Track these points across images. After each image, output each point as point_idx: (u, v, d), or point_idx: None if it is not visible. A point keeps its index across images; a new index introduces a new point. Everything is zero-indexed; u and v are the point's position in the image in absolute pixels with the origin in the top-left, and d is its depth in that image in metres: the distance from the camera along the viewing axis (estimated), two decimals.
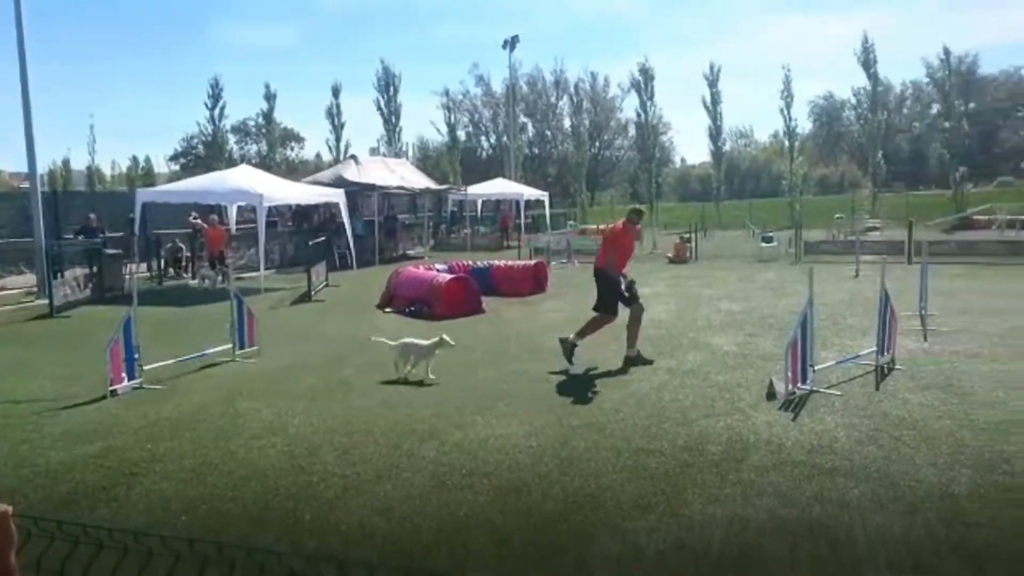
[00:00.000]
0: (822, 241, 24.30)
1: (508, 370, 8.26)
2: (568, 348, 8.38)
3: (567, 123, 65.47)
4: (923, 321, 9.99)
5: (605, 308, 8.64)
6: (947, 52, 55.10)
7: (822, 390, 6.88)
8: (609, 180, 77.26)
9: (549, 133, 72.59)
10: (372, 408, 6.84)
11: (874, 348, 7.83)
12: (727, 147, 66.78)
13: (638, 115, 56.56)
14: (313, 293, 15.08)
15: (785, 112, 49.42)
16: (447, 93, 60.37)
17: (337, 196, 21.01)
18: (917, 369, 7.72)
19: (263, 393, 7.44)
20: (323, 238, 20.68)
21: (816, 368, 7.16)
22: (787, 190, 49.49)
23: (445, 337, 7.83)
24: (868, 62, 52.36)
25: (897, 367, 7.78)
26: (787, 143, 52.41)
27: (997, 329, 9.96)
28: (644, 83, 55.10)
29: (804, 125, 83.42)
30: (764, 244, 23.34)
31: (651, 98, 55.37)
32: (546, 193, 37.36)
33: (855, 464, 5.09)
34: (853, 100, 70.76)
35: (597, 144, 72.68)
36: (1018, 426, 5.78)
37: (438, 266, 14.36)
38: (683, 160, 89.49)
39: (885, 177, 55.08)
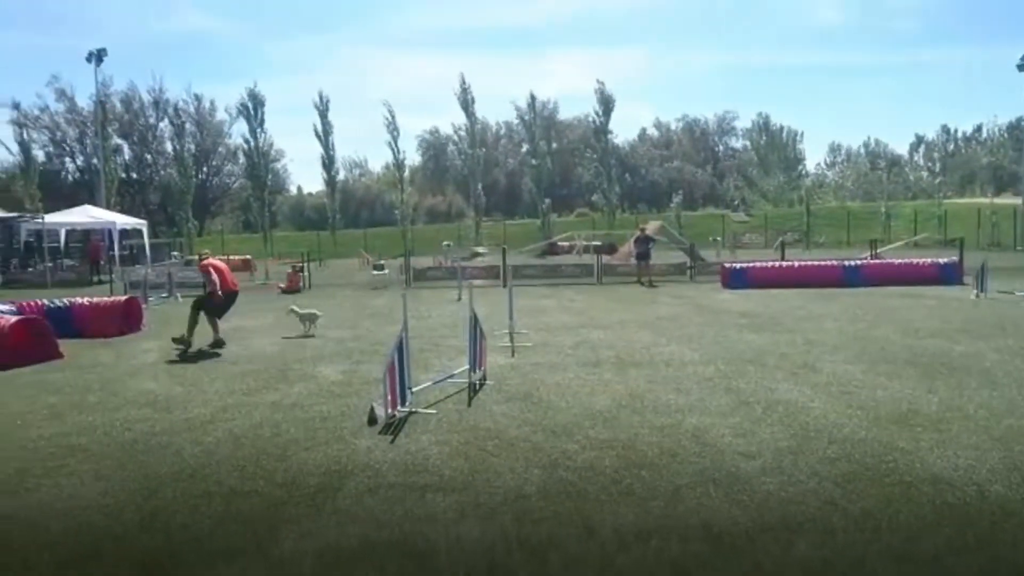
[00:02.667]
0: (430, 268, 25.73)
1: (85, 421, 7.29)
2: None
3: (169, 147, 61.07)
4: (512, 338, 11.00)
5: None
6: (533, 98, 62.36)
7: (420, 410, 7.17)
8: (220, 208, 73.71)
9: (149, 157, 67.08)
10: None
11: (468, 366, 8.41)
12: (341, 176, 67.97)
13: (247, 141, 54.96)
14: None
15: (393, 145, 51.65)
16: (18, 107, 52.70)
17: None
18: (504, 383, 8.44)
19: None
20: None
21: (414, 389, 7.47)
22: (399, 219, 51.66)
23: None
24: (467, 102, 57.16)
25: (488, 382, 8.43)
26: (397, 174, 54.82)
27: (570, 342, 11.37)
28: (254, 108, 53.80)
29: (413, 157, 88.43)
30: (375, 272, 24.03)
31: (261, 124, 54.25)
32: (144, 222, 34.39)
33: (444, 478, 5.36)
34: (456, 136, 76.70)
35: (205, 170, 68.95)
36: (578, 425, 6.60)
37: (2, 307, 12.30)
38: (299, 188, 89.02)
39: (486, 207, 60.34)
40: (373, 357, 10.32)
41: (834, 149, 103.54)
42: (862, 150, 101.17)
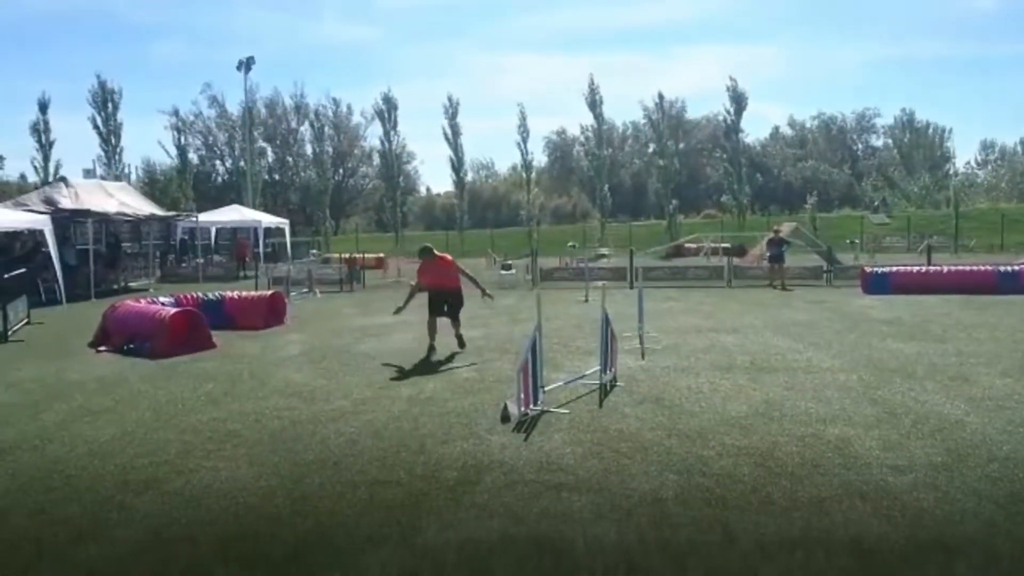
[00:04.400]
0: (556, 268, 25.84)
1: (237, 409, 7.78)
2: None
3: (309, 149, 64.22)
4: (641, 340, 10.90)
5: None
6: (660, 97, 61.55)
7: (552, 409, 7.24)
8: (354, 208, 76.71)
9: (290, 159, 70.74)
10: (76, 459, 6.11)
11: (598, 367, 8.41)
12: (469, 177, 69.32)
13: (382, 143, 56.97)
14: (9, 333, 13.28)
15: (522, 146, 52.18)
16: (177, 113, 56.80)
17: (42, 223, 18.78)
18: (635, 385, 8.39)
19: None
20: (23, 270, 18.29)
21: (546, 389, 7.54)
22: (525, 220, 52.13)
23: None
24: (594, 103, 57.12)
25: (618, 384, 8.40)
26: (524, 175, 55.35)
27: (701, 345, 11.15)
28: (388, 112, 55.74)
29: (540, 159, 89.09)
30: (503, 272, 24.35)
31: (395, 127, 56.13)
32: (286, 221, 36.26)
33: (579, 478, 5.39)
34: (582, 137, 76.74)
35: (341, 171, 72.00)
36: (713, 431, 6.47)
37: (163, 299, 13.29)
38: (428, 189, 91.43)
39: (611, 208, 59.96)
40: (503, 355, 10.48)
41: (986, 147, 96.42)
42: (1018, 148, 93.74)
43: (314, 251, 40.99)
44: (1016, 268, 19.98)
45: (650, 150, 79.61)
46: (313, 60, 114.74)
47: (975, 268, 20.65)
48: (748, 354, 10.35)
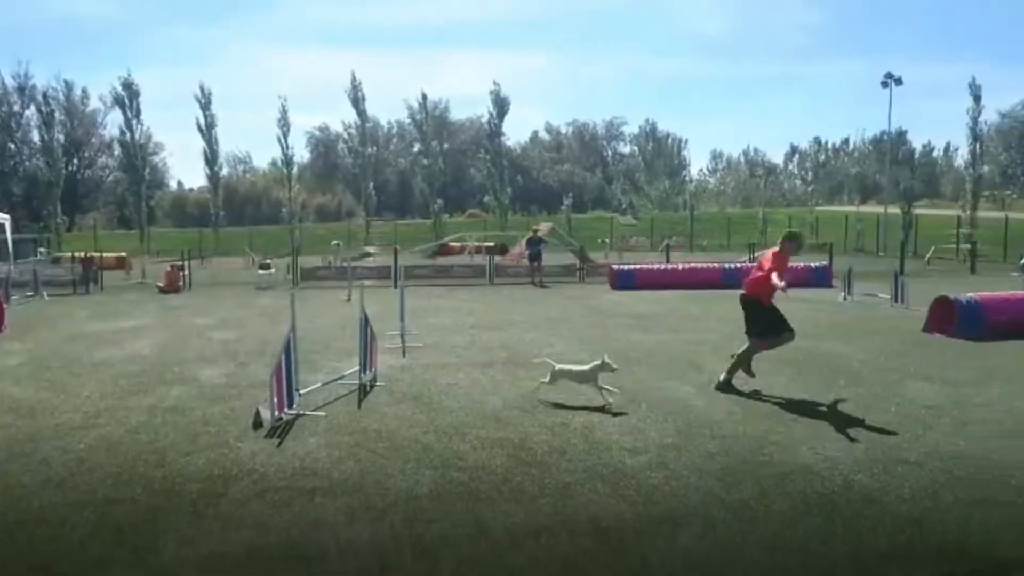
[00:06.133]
0: (319, 267, 25.19)
1: None
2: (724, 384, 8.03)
3: (36, 136, 57.29)
4: (403, 339, 10.90)
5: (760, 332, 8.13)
6: (424, 97, 62.10)
7: (308, 413, 7.01)
8: (92, 202, 69.80)
9: (13, 146, 62.78)
10: None
11: (358, 368, 8.28)
12: (225, 172, 65.71)
13: (123, 132, 52.27)
14: None
15: (283, 140, 50.23)
16: None
17: None
18: (395, 384, 8.36)
19: None
20: None
21: (302, 392, 7.29)
22: (287, 217, 50.32)
23: (607, 359, 7.27)
24: (357, 99, 56.32)
25: (378, 384, 8.32)
26: (285, 171, 53.39)
27: (462, 342, 11.38)
28: (129, 99, 51.21)
29: (302, 154, 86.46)
30: (261, 271, 23.33)
31: (137, 116, 51.70)
32: (7, 216, 32.15)
33: (333, 481, 5.26)
34: (346, 134, 75.52)
35: (76, 162, 65.13)
36: (470, 426, 6.61)
37: None
38: (180, 183, 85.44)
39: (377, 207, 59.57)
40: (259, 359, 10.01)
41: (716, 156, 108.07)
42: (742, 158, 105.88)
43: (42, 249, 36.77)
44: (738, 266, 22.49)
45: (415, 149, 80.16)
46: (41, 36, 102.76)
47: (705, 266, 22.97)
48: (507, 349, 10.72)
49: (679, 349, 10.60)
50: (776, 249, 8.26)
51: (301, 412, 6.98)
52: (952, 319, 11.83)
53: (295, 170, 58.07)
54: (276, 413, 6.69)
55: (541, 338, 11.77)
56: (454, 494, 4.99)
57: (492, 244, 38.01)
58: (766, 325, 8.09)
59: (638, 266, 22.62)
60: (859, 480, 5.20)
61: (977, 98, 43.93)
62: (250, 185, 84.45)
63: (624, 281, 20.82)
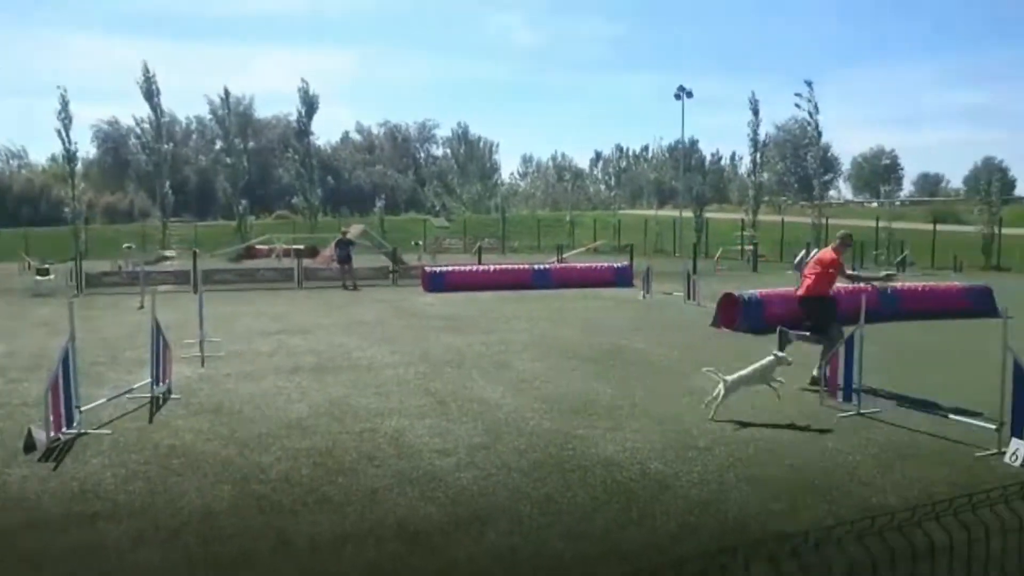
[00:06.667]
0: (108, 272, 23.25)
1: None
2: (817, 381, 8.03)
3: None
4: (202, 347, 10.28)
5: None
6: (227, 93, 59.15)
7: (92, 431, 6.43)
8: None
9: None
10: None
11: (149, 380, 7.70)
12: None
13: None
14: None
15: (63, 134, 45.80)
16: None
17: None
18: (192, 395, 7.87)
19: None
20: None
21: (84, 409, 6.67)
22: (70, 217, 45.97)
23: (780, 353, 7.41)
24: (151, 92, 52.52)
25: (173, 396, 7.80)
26: (68, 167, 48.81)
27: (267, 349, 10.92)
28: None
29: (88, 150, 79.58)
30: (39, 278, 21.19)
31: None
32: None
33: (119, 504, 4.85)
34: (138, 129, 70.27)
35: None
36: (274, 436, 6.35)
37: None
38: None
39: (175, 207, 55.91)
40: (33, 374, 9.06)
41: (526, 160, 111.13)
42: (550, 163, 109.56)
43: None
44: (546, 266, 23.25)
45: (217, 147, 76.08)
46: None
47: (515, 267, 23.52)
48: (315, 354, 10.41)
49: (490, 350, 10.76)
50: (834, 247, 8.82)
51: (82, 431, 6.39)
52: (737, 314, 12.87)
53: (79, 166, 53.28)
54: (52, 433, 6.07)
55: (350, 341, 11.53)
56: (255, 508, 4.76)
57: (301, 247, 36.81)
58: (831, 316, 8.50)
59: (451, 268, 22.75)
60: (655, 468, 5.51)
61: (755, 112, 47.83)
62: (26, 182, 76.38)
63: (437, 283, 20.87)
